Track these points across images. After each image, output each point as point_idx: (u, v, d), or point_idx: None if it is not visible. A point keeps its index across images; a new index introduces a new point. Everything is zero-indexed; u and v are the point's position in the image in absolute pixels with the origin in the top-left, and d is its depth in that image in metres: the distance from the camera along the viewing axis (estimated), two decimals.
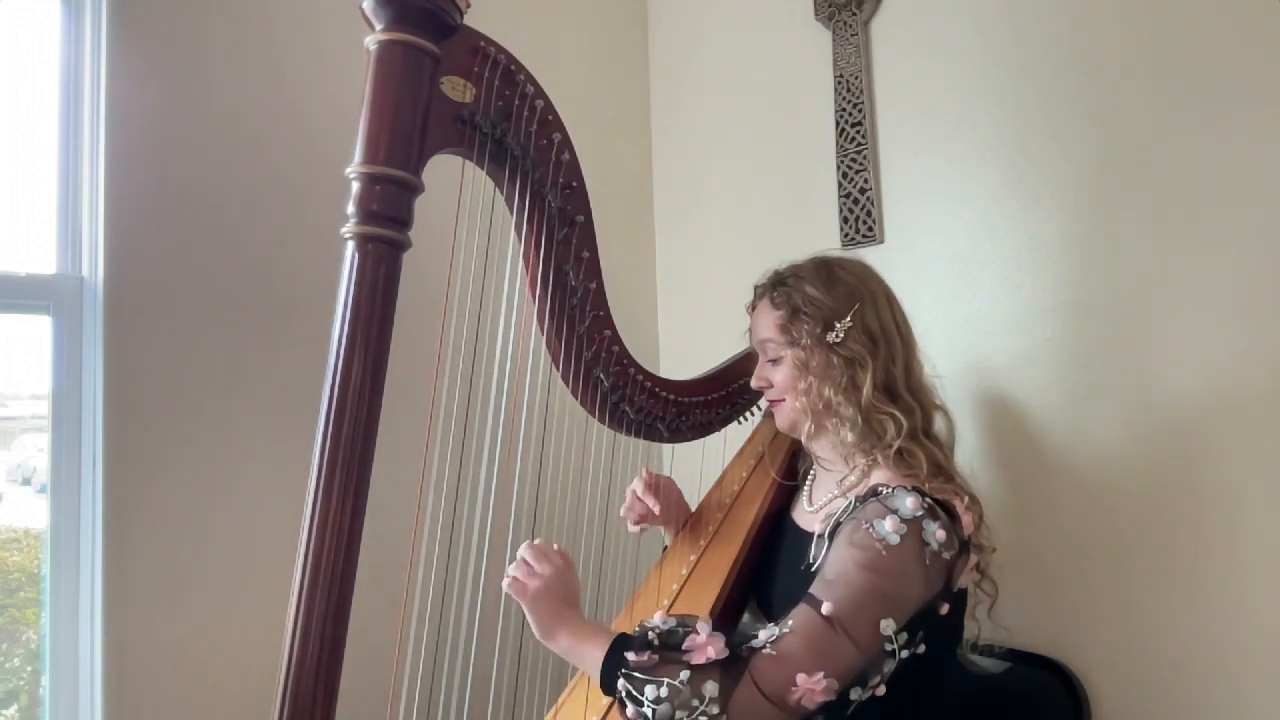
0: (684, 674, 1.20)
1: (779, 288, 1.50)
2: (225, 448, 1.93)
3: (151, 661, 1.83)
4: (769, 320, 1.50)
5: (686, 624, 1.27)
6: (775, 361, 1.50)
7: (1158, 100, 1.65)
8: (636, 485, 1.67)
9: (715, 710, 1.19)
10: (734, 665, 1.22)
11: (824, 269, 1.49)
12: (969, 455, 1.79)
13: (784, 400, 1.51)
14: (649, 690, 1.21)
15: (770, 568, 1.56)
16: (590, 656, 1.30)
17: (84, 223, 1.86)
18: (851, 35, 2.12)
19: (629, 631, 1.29)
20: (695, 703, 1.19)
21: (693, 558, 1.59)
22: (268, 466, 1.95)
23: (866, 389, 1.41)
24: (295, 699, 1.10)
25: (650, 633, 1.26)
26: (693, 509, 1.74)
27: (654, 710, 1.20)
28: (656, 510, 1.65)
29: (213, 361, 1.93)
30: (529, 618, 1.37)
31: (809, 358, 1.44)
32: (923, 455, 1.38)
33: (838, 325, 1.43)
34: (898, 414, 1.40)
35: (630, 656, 1.24)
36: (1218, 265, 1.57)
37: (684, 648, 1.24)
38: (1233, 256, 1.56)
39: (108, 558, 1.80)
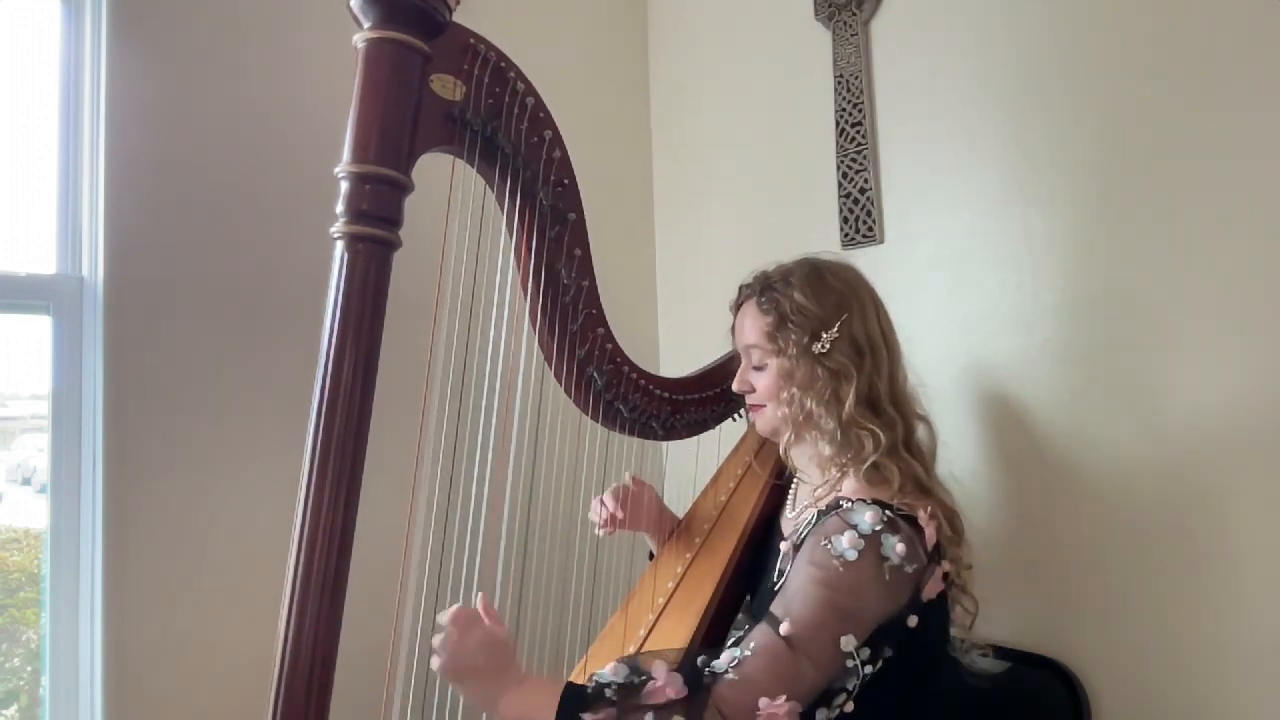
0: (648, 717, 1.18)
1: (767, 293, 1.47)
2: (225, 447, 1.94)
3: (151, 661, 1.83)
4: (755, 326, 1.48)
5: (640, 669, 1.23)
6: (760, 368, 1.49)
7: (1158, 100, 1.64)
8: (606, 493, 1.66)
9: None
10: (698, 696, 1.20)
11: (814, 275, 1.46)
12: (969, 455, 1.79)
13: (765, 406, 1.49)
14: None
15: (761, 571, 1.55)
16: (542, 713, 1.20)
17: (84, 223, 1.86)
18: (851, 35, 2.11)
19: (581, 683, 1.23)
20: None
21: (688, 556, 1.59)
22: (267, 466, 1.95)
23: (849, 402, 1.38)
24: (288, 699, 1.10)
25: (606, 688, 1.21)
26: (689, 506, 1.74)
27: None
28: (620, 515, 1.64)
29: (212, 361, 1.93)
30: (465, 695, 1.29)
31: (794, 368, 1.42)
32: (897, 470, 1.36)
33: (824, 335, 1.41)
34: (877, 429, 1.38)
35: (587, 717, 1.18)
36: (1217, 264, 1.56)
37: (644, 693, 1.20)
38: (1233, 255, 1.55)
39: (108, 558, 1.80)
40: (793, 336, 1.42)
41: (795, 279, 1.46)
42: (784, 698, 1.19)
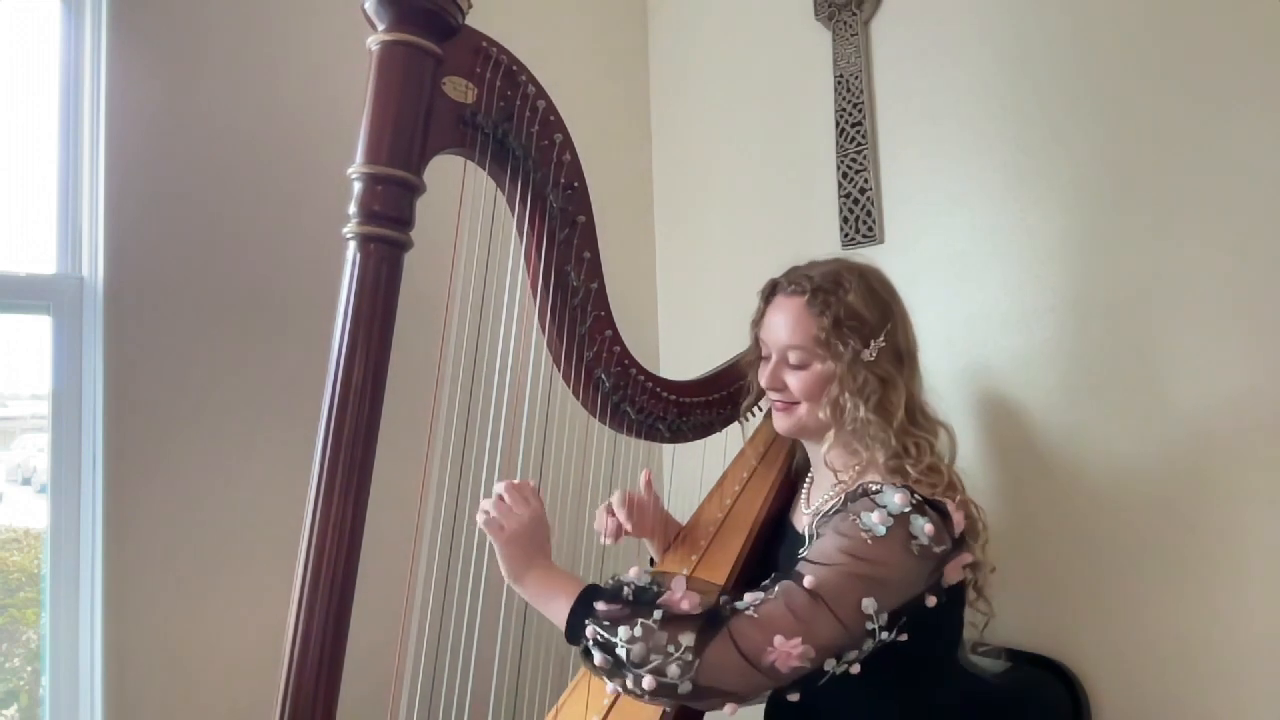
0: (657, 614, 1.20)
1: (820, 294, 1.44)
2: (225, 447, 1.93)
3: (151, 661, 1.83)
4: (802, 327, 1.44)
5: (660, 581, 1.25)
6: (799, 367, 1.46)
7: (1158, 100, 1.65)
8: (614, 498, 1.65)
9: (690, 657, 1.17)
10: (714, 621, 1.21)
11: (864, 281, 1.45)
12: (967, 457, 1.79)
13: (798, 405, 1.47)
14: (622, 631, 1.19)
15: (772, 571, 1.55)
16: (558, 603, 1.29)
17: (84, 223, 1.86)
18: (851, 35, 2.12)
19: (600, 584, 1.28)
20: (670, 648, 1.18)
21: (694, 558, 1.59)
22: (268, 466, 1.95)
23: (900, 412, 1.40)
24: (296, 701, 1.11)
25: (625, 586, 1.25)
26: (694, 508, 1.74)
27: (628, 650, 1.18)
28: (628, 526, 1.64)
29: (213, 361, 1.93)
30: (500, 557, 1.36)
31: (846, 374, 1.41)
32: (945, 472, 1.38)
33: (873, 343, 1.41)
34: (929, 436, 1.41)
35: (600, 606, 1.23)
36: (1217, 265, 1.57)
37: (659, 600, 1.22)
38: (1232, 256, 1.56)
39: (108, 558, 1.80)
40: (849, 342, 1.41)
41: (848, 283, 1.44)
42: (799, 639, 1.19)
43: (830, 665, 1.24)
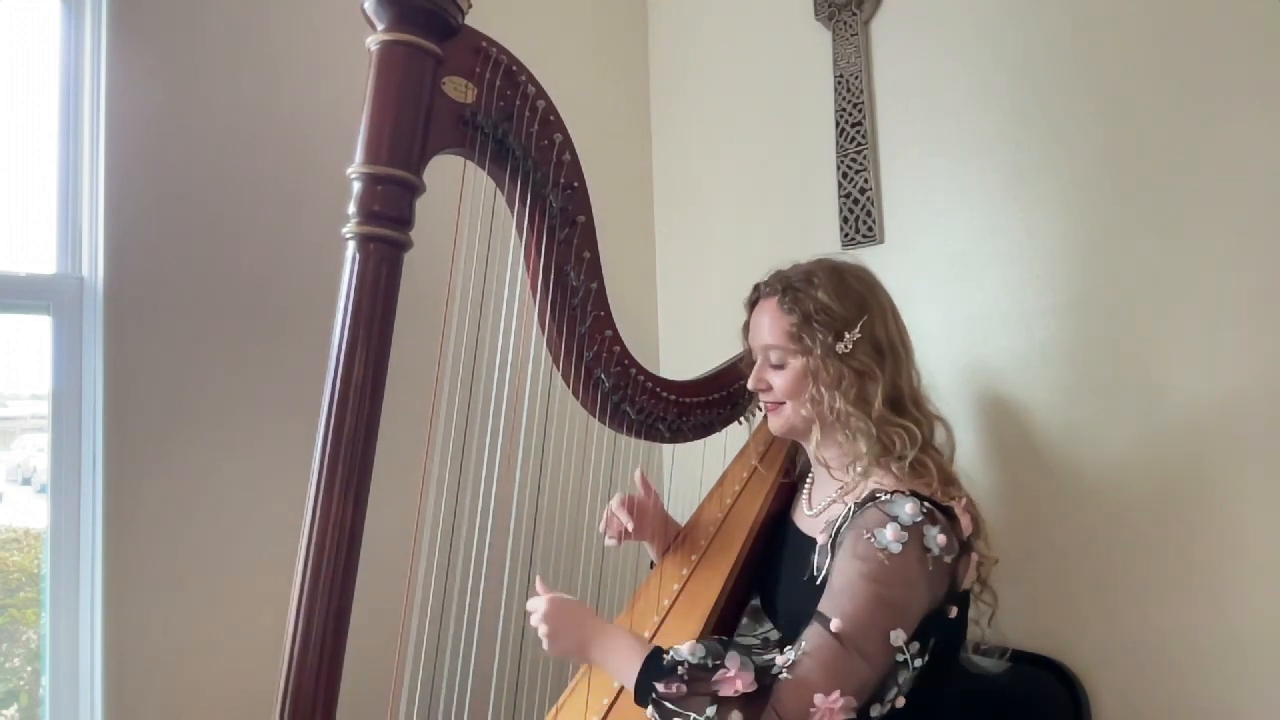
0: (710, 709, 1.21)
1: (789, 292, 1.47)
2: (225, 447, 1.93)
3: (151, 661, 1.83)
4: (777, 325, 1.47)
5: (716, 653, 1.26)
6: (779, 366, 1.49)
7: (1158, 100, 1.65)
8: (614, 502, 1.67)
9: None
10: (758, 695, 1.23)
11: (835, 276, 1.47)
12: (967, 456, 1.79)
13: (784, 404, 1.49)
14: None
15: (774, 572, 1.56)
16: (624, 670, 1.32)
17: (84, 223, 1.86)
18: (851, 35, 2.12)
19: (661, 649, 1.29)
20: None
21: (694, 558, 1.59)
22: (268, 466, 1.95)
23: (877, 402, 1.40)
24: (296, 700, 1.10)
25: (680, 665, 1.26)
26: (694, 508, 1.74)
27: None
28: (630, 527, 1.65)
29: (213, 361, 1.93)
30: (560, 654, 1.42)
31: (820, 367, 1.43)
32: (934, 465, 1.38)
33: (847, 336, 1.42)
34: (910, 426, 1.40)
35: (659, 686, 1.24)
36: (1217, 264, 1.57)
37: (713, 680, 1.24)
38: (1232, 256, 1.56)
39: (108, 558, 1.80)
40: (818, 336, 1.42)
41: (818, 279, 1.46)
42: (838, 693, 1.21)
43: (876, 711, 1.27)
